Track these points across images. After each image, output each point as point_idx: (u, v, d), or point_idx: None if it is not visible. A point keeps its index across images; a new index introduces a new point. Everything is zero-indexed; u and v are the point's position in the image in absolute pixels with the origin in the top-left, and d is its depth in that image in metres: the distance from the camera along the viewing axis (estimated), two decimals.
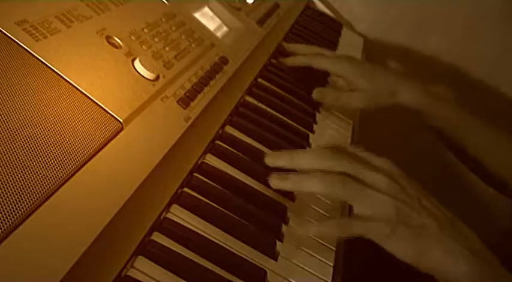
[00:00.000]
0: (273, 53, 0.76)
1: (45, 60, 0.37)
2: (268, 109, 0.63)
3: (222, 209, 0.44)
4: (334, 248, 0.48)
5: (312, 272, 0.45)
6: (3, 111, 0.32)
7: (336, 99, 0.68)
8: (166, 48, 0.50)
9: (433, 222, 0.44)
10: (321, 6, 1.11)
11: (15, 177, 0.29)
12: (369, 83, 0.67)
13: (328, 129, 0.67)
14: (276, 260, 0.43)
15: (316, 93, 0.68)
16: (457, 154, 0.74)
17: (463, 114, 0.70)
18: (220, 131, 0.53)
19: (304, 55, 0.72)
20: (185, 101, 0.48)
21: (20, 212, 0.28)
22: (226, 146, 0.52)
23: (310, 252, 0.46)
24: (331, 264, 0.46)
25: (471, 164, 0.74)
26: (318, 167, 0.45)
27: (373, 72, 0.69)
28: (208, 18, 0.64)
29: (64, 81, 0.37)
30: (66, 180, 0.32)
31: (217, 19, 0.67)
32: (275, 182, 0.46)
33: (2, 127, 0.31)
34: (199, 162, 0.48)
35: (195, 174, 0.46)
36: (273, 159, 0.48)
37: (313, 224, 0.45)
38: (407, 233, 0.43)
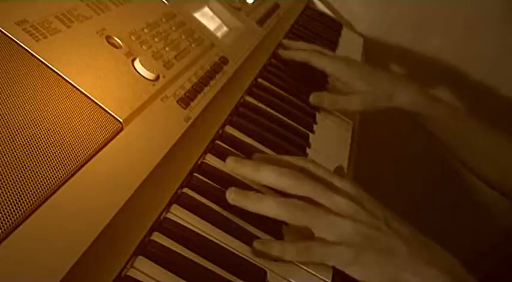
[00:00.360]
0: (273, 53, 0.76)
1: (45, 60, 0.37)
2: (268, 109, 0.63)
3: (222, 209, 0.44)
4: None
5: (312, 272, 0.45)
6: (3, 111, 0.32)
7: (334, 103, 0.68)
8: (166, 48, 0.50)
9: (402, 245, 0.42)
10: (321, 6, 1.11)
11: (15, 177, 0.29)
12: (366, 86, 0.67)
13: (328, 130, 0.67)
14: (276, 260, 0.43)
15: (313, 98, 0.67)
16: (455, 156, 0.74)
17: (462, 116, 0.69)
18: (220, 131, 0.53)
19: (304, 50, 0.72)
20: (185, 101, 0.48)
21: (20, 212, 0.28)
22: (226, 146, 0.52)
23: None
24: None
25: (470, 166, 0.74)
26: (279, 185, 0.44)
27: (370, 74, 0.68)
28: (208, 18, 0.64)
29: (64, 81, 0.37)
30: (66, 180, 0.32)
31: (217, 19, 0.67)
32: (233, 197, 0.43)
33: (2, 127, 0.31)
34: (199, 162, 0.48)
35: (195, 174, 0.46)
36: (236, 164, 0.45)
37: (275, 246, 0.42)
38: (374, 258, 0.41)
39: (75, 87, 0.37)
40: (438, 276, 0.41)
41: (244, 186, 0.48)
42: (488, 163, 0.70)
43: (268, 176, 0.44)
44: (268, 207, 0.42)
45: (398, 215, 0.45)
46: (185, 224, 0.41)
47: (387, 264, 0.41)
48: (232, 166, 0.45)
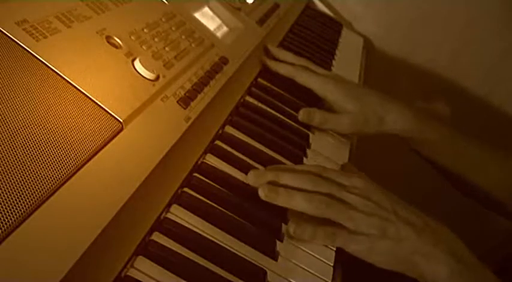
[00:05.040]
0: None
1: (45, 60, 0.37)
2: (268, 109, 0.63)
3: (222, 209, 0.44)
4: (334, 248, 0.48)
5: (312, 272, 0.45)
6: (3, 111, 0.32)
7: (324, 122, 0.65)
8: (166, 48, 0.50)
9: (410, 232, 0.47)
10: (321, 6, 1.11)
11: (15, 177, 0.29)
12: (356, 107, 0.64)
13: (328, 130, 0.67)
14: (276, 260, 0.43)
15: (302, 114, 0.64)
16: (443, 175, 0.73)
17: (451, 135, 0.68)
18: (220, 131, 0.53)
19: (292, 65, 0.68)
20: (185, 101, 0.48)
21: (20, 212, 0.28)
22: (226, 146, 0.52)
23: (310, 252, 0.46)
24: (331, 264, 0.46)
25: (458, 185, 0.73)
26: (301, 187, 0.48)
27: (361, 95, 0.66)
28: (208, 18, 0.64)
29: (64, 81, 0.37)
30: (66, 180, 0.32)
31: (217, 19, 0.67)
32: (266, 193, 0.46)
33: (2, 127, 0.31)
34: (199, 162, 0.48)
35: (195, 174, 0.46)
36: (257, 179, 0.48)
37: (308, 228, 0.47)
38: (385, 246, 0.46)
39: (75, 87, 0.37)
40: (446, 258, 0.46)
41: (244, 187, 0.48)
42: (483, 182, 0.69)
43: (287, 181, 0.48)
44: (297, 203, 0.47)
45: (406, 202, 0.50)
46: (185, 224, 0.41)
47: (397, 250, 0.46)
48: (253, 181, 0.48)
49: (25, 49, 0.36)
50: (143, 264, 0.36)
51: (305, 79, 0.66)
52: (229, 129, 0.55)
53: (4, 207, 0.28)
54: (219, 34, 0.64)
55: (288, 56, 0.72)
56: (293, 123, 0.63)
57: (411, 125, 0.65)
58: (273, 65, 0.69)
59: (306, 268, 0.45)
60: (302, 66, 0.68)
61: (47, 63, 0.37)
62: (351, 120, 0.65)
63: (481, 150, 0.69)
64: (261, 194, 0.46)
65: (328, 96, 0.65)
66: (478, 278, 0.47)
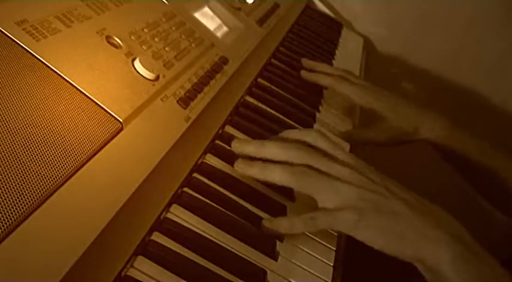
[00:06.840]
0: (273, 53, 0.76)
1: (45, 60, 0.37)
2: (268, 109, 0.63)
3: (222, 209, 0.44)
4: (334, 248, 0.48)
5: (312, 272, 0.45)
6: (3, 111, 0.32)
7: (361, 140, 0.69)
8: (166, 48, 0.50)
9: (404, 207, 0.43)
10: (321, 6, 1.11)
11: (15, 177, 0.29)
12: (393, 117, 0.68)
13: (328, 129, 0.67)
14: (276, 260, 0.43)
15: (343, 136, 0.67)
16: (474, 185, 0.76)
17: (486, 148, 0.71)
18: (220, 131, 0.53)
19: (329, 76, 0.71)
20: (185, 101, 0.48)
21: (20, 212, 0.28)
22: (226, 146, 0.52)
23: (310, 252, 0.46)
24: (331, 264, 0.46)
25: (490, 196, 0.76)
26: (283, 158, 0.45)
27: (398, 105, 0.70)
28: (208, 18, 0.64)
29: (64, 81, 0.37)
30: (66, 180, 0.32)
31: (217, 19, 0.67)
32: (241, 166, 0.45)
33: (2, 127, 0.31)
34: (199, 162, 0.48)
35: (195, 174, 0.46)
36: (241, 145, 0.47)
37: (283, 221, 0.44)
38: (377, 219, 0.42)
39: (75, 87, 0.37)
40: (447, 239, 0.41)
41: (244, 187, 0.48)
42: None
43: (272, 149, 0.45)
44: (274, 174, 0.44)
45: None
46: (185, 224, 0.41)
47: (391, 226, 0.42)
48: (237, 147, 0.47)
49: (25, 49, 0.36)
50: (143, 264, 0.36)
51: (344, 89, 0.69)
52: (229, 129, 0.55)
53: (4, 207, 0.28)
54: (219, 34, 0.64)
55: (325, 67, 0.74)
56: (293, 123, 0.63)
57: (446, 133, 0.69)
58: (311, 76, 0.71)
59: (306, 268, 0.45)
60: (340, 76, 0.71)
61: (47, 63, 0.37)
62: (387, 132, 0.68)
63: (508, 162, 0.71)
64: (236, 167, 0.46)
65: (367, 106, 0.69)
66: (484, 265, 0.42)
